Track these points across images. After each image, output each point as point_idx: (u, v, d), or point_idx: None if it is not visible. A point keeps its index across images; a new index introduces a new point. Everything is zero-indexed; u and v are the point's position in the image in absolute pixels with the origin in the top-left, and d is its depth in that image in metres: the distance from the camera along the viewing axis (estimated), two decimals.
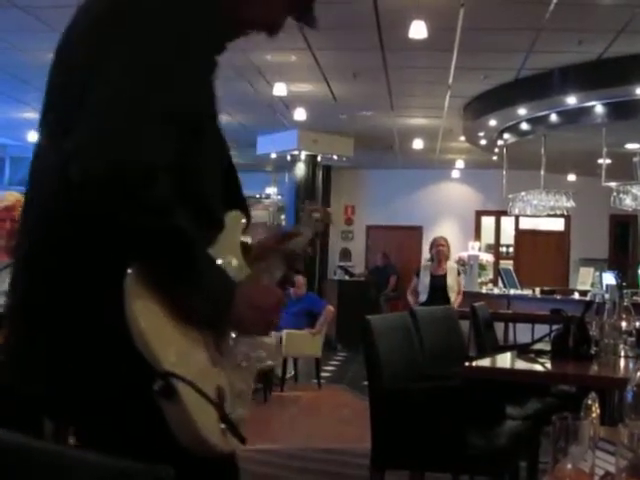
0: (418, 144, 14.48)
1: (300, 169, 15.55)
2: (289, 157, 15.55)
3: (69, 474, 0.88)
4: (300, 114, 12.38)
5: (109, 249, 1.49)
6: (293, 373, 10.33)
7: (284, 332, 9.65)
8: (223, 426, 1.53)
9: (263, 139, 15.31)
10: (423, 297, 10.04)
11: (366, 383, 3.90)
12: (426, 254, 12.31)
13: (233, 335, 1.68)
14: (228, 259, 1.74)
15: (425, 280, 10.11)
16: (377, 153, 16.27)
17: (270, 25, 1.88)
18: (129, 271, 1.45)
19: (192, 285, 1.50)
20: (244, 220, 1.89)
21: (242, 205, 1.89)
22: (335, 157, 15.62)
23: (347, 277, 16.41)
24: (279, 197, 19.12)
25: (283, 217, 18.53)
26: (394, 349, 3.99)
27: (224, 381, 1.59)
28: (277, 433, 7.52)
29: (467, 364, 3.61)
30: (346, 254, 18.71)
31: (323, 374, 10.53)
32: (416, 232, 18.09)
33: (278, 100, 11.97)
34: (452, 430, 3.65)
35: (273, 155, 15.72)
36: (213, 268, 1.58)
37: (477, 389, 3.65)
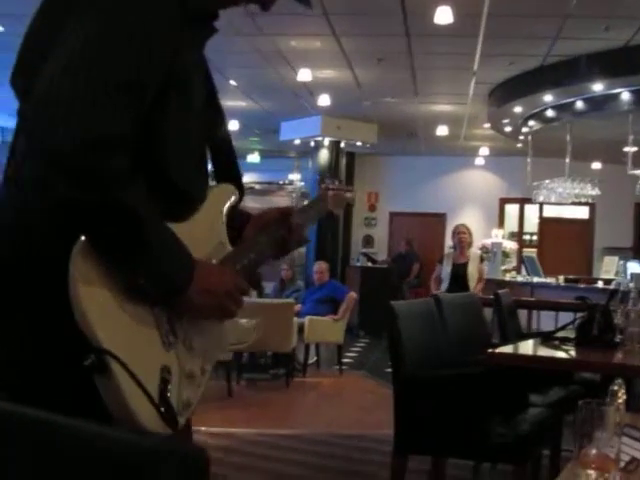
0: (442, 131, 14.40)
1: (323, 155, 15.52)
2: (312, 143, 15.54)
3: (92, 449, 0.88)
4: (324, 100, 12.35)
5: (59, 222, 1.47)
6: (315, 359, 10.35)
7: (307, 318, 9.67)
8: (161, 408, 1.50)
9: (287, 125, 15.30)
10: (444, 285, 10.01)
11: (388, 370, 3.90)
12: (450, 242, 12.26)
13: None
14: (204, 233, 1.70)
15: (447, 268, 10.07)
16: (401, 140, 16.22)
17: None
18: (76, 245, 1.42)
19: (140, 263, 1.47)
20: (234, 194, 1.85)
21: (236, 179, 1.86)
22: (359, 143, 15.59)
23: (370, 264, 16.39)
24: (302, 183, 19.12)
25: (305, 203, 18.51)
26: (418, 335, 3.98)
27: (173, 361, 1.57)
28: (299, 419, 7.54)
29: (491, 351, 3.59)
30: (369, 241, 18.69)
31: (345, 360, 10.54)
32: (440, 219, 18.04)
33: (302, 86, 11.95)
34: (475, 417, 3.64)
35: (296, 141, 15.71)
36: (168, 244, 1.52)
37: (500, 376, 3.63)
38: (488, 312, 5.94)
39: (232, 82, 12.08)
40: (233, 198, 1.84)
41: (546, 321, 9.00)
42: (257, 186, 18.65)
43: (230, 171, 1.88)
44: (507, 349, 3.95)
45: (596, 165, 15.43)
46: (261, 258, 1.88)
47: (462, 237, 10.04)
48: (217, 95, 1.86)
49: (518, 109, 11.82)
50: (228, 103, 13.61)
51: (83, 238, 1.43)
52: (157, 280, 1.50)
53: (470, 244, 10.21)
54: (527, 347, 4.13)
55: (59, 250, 1.43)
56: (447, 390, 3.74)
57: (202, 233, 1.69)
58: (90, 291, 1.42)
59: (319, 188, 2.27)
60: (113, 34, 1.46)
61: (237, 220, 1.90)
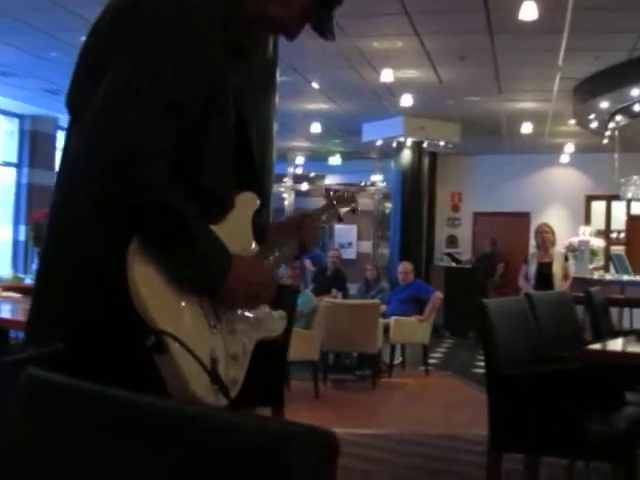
0: (526, 128, 14.20)
1: (406, 156, 15.47)
2: (395, 144, 15.48)
3: (225, 437, 0.90)
4: (406, 100, 12.29)
5: (117, 221, 1.70)
6: (401, 360, 10.33)
7: (392, 319, 9.66)
8: (214, 385, 1.68)
9: (368, 126, 15.28)
10: (531, 284, 9.88)
11: (474, 370, 3.88)
12: (534, 241, 12.10)
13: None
14: (234, 236, 1.86)
15: (532, 267, 9.93)
16: (484, 138, 16.05)
17: (286, 29, 1.96)
18: (134, 240, 1.65)
19: (186, 256, 1.70)
20: (257, 202, 2.00)
21: (256, 187, 2.00)
22: (441, 143, 15.49)
23: (454, 264, 16.28)
24: (384, 185, 19.09)
25: (388, 205, 18.49)
26: (510, 333, 3.94)
27: (219, 343, 1.76)
28: (386, 419, 7.54)
29: (586, 347, 3.54)
30: (452, 241, 18.56)
31: (431, 361, 10.50)
32: (524, 218, 17.80)
33: (384, 87, 11.93)
34: (570, 414, 3.59)
35: (378, 142, 15.67)
36: (208, 241, 1.75)
37: (596, 373, 3.58)
38: (578, 310, 5.85)
39: (314, 84, 12.14)
40: (256, 205, 2.01)
41: (638, 319, 8.83)
42: (339, 188, 18.68)
43: (251, 178, 2.01)
44: (602, 346, 3.88)
45: None
46: (283, 258, 2.10)
47: (545, 236, 9.89)
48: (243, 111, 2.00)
49: (604, 104, 11.60)
50: (309, 106, 13.69)
51: (137, 237, 1.66)
52: (200, 271, 1.72)
53: (553, 243, 10.04)
54: (623, 344, 4.06)
55: (117, 248, 1.65)
56: (542, 387, 3.70)
57: (232, 235, 1.85)
58: (146, 281, 1.64)
59: (325, 197, 2.50)
60: (159, 60, 1.69)
61: (259, 226, 2.06)
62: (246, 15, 1.87)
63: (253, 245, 1.97)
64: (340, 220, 2.42)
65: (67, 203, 1.82)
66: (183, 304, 1.70)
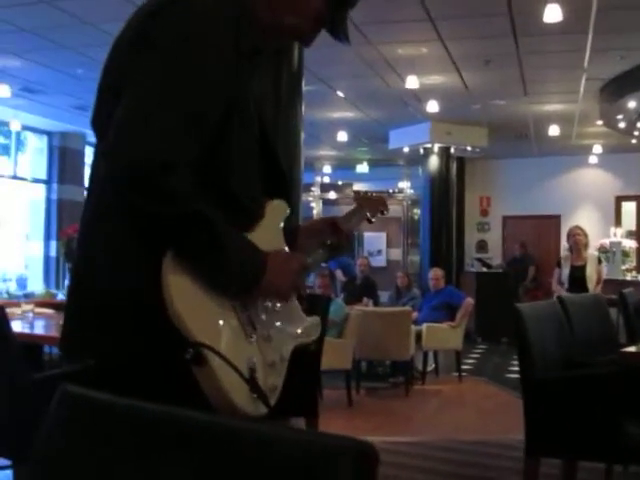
0: (554, 131, 14.13)
1: (433, 162, 15.45)
2: (422, 150, 15.47)
3: (270, 451, 0.90)
4: (432, 106, 12.27)
5: (147, 234, 1.71)
6: (434, 366, 10.29)
7: (424, 325, 9.63)
8: (253, 394, 1.69)
9: (395, 133, 15.28)
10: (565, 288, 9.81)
11: (508, 375, 3.86)
12: (566, 243, 12.02)
13: (266, 309, 1.85)
14: (266, 242, 1.87)
15: (565, 271, 9.86)
16: (511, 142, 16.00)
17: (301, 36, 1.99)
18: (167, 253, 1.66)
19: (219, 262, 1.69)
20: (287, 209, 2.04)
21: (284, 193, 2.04)
22: (469, 148, 15.46)
23: (484, 269, 16.21)
24: (412, 191, 19.07)
25: (417, 211, 18.46)
26: (545, 337, 3.92)
27: (256, 352, 1.77)
28: (420, 426, 7.50)
29: (622, 350, 3.50)
30: (482, 246, 18.49)
31: (464, 367, 10.44)
32: (554, 221, 17.71)
33: (410, 93, 11.92)
34: (606, 418, 3.56)
35: (405, 149, 15.68)
36: (240, 246, 1.76)
37: (632, 376, 3.54)
38: (612, 312, 5.80)
39: (339, 93, 12.15)
40: (287, 212, 2.05)
41: None
42: (368, 190, 18.68)
43: (281, 186, 2.06)
44: (637, 348, 3.84)
45: None
46: (316, 261, 2.15)
47: (577, 239, 9.81)
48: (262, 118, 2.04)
49: (632, 104, 11.52)
50: (335, 115, 13.70)
51: (170, 250, 1.67)
52: (235, 277, 1.73)
53: (586, 245, 9.95)
54: None
55: (149, 262, 1.67)
56: (578, 391, 3.67)
57: (265, 242, 1.86)
58: (181, 293, 1.64)
59: (354, 199, 2.52)
60: (176, 73, 1.69)
61: (289, 231, 2.09)
62: (259, 24, 1.89)
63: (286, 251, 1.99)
64: (370, 222, 2.42)
65: (97, 219, 1.83)
66: (219, 315, 1.70)
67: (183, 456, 0.98)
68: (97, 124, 1.87)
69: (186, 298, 1.64)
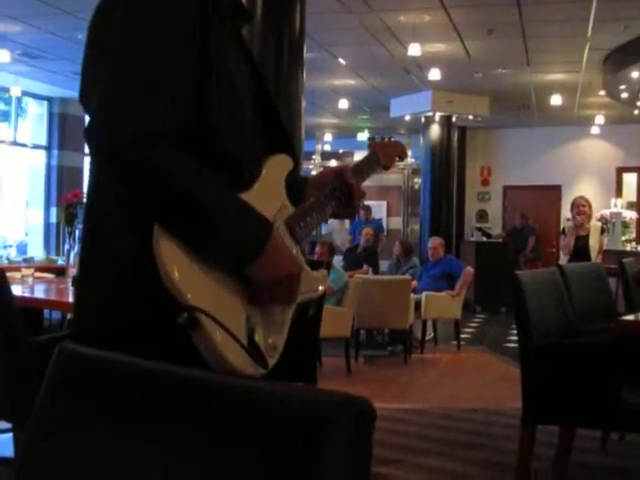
0: (556, 100, 14.08)
1: (434, 131, 15.41)
2: (423, 119, 15.43)
3: (264, 409, 0.90)
4: (434, 74, 12.20)
5: (136, 210, 1.69)
6: (432, 335, 10.32)
7: (423, 294, 9.64)
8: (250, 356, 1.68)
9: (396, 102, 15.23)
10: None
11: (507, 345, 3.87)
12: (566, 214, 12.01)
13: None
14: (267, 199, 1.85)
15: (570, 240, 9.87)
16: (513, 111, 15.94)
17: None
18: (155, 227, 1.62)
19: (211, 231, 1.65)
20: (290, 162, 2.00)
21: (287, 148, 2.01)
22: (470, 117, 15.41)
23: (484, 239, 16.21)
24: (413, 160, 19.03)
25: (418, 180, 18.44)
26: (544, 305, 3.92)
27: (256, 312, 1.74)
28: (419, 394, 7.54)
29: (621, 319, 3.51)
30: (483, 216, 18.48)
31: (462, 336, 10.47)
32: (555, 191, 17.69)
33: (412, 61, 11.86)
34: (604, 386, 3.57)
35: (407, 117, 15.63)
36: (239, 216, 1.70)
37: (630, 345, 3.55)
38: (610, 282, 5.81)
39: (341, 60, 12.09)
40: (289, 165, 2.00)
41: None
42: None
43: (282, 140, 2.02)
44: (636, 317, 3.85)
45: None
46: (323, 216, 2.04)
47: (582, 210, 9.82)
48: (263, 76, 2.04)
49: (635, 74, 11.46)
50: (337, 82, 13.64)
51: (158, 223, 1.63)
52: (232, 248, 1.69)
53: (590, 216, 9.97)
54: None
55: (141, 234, 1.64)
56: (576, 359, 3.68)
57: (265, 199, 1.83)
58: (173, 258, 1.61)
59: (369, 145, 2.41)
60: (138, 44, 1.66)
61: (296, 184, 2.04)
62: None
63: (288, 206, 1.93)
64: (386, 168, 2.33)
65: (94, 198, 1.82)
66: (213, 277, 1.67)
67: (183, 412, 0.98)
68: (85, 100, 1.83)
69: (178, 262, 1.62)
